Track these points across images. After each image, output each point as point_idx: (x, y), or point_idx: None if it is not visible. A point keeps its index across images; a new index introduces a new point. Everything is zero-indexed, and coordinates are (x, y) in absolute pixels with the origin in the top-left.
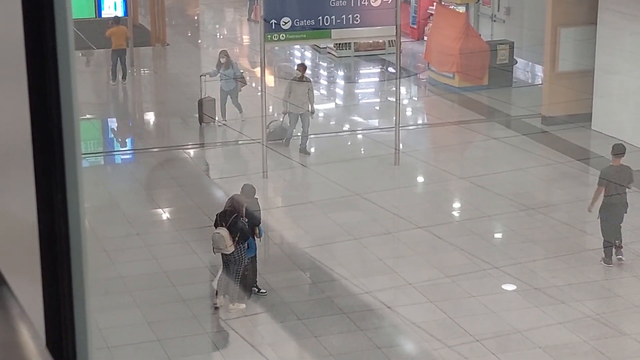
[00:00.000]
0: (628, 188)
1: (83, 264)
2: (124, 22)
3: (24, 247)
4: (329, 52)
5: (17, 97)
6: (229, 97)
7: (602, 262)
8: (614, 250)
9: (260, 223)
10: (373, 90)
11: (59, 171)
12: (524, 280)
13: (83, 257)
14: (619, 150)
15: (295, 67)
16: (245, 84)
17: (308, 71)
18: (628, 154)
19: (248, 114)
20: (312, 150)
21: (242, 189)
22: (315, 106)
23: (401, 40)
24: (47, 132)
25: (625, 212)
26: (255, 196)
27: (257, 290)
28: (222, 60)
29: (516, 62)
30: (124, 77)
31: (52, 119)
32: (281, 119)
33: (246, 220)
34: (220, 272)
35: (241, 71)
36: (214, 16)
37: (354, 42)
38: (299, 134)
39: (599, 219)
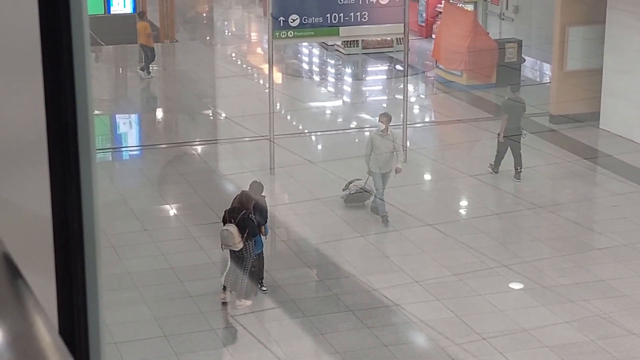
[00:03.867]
0: (522, 117)
1: (96, 256)
2: (134, 18)
3: (38, 240)
4: (337, 50)
5: (33, 92)
6: None
7: (491, 171)
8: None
9: (267, 221)
10: (381, 87)
11: (74, 165)
12: (532, 279)
13: (96, 250)
14: (515, 87)
15: (378, 119)
16: None
17: (315, 68)
18: (636, 153)
19: (257, 110)
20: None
21: (250, 186)
22: (324, 103)
23: (409, 38)
24: (62, 127)
25: (523, 137)
26: (263, 194)
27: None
28: None
29: (524, 61)
30: (147, 72)
31: (66, 113)
32: (364, 180)
33: (254, 217)
34: (227, 267)
35: None
36: (223, 13)
37: (362, 40)
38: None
39: (498, 142)
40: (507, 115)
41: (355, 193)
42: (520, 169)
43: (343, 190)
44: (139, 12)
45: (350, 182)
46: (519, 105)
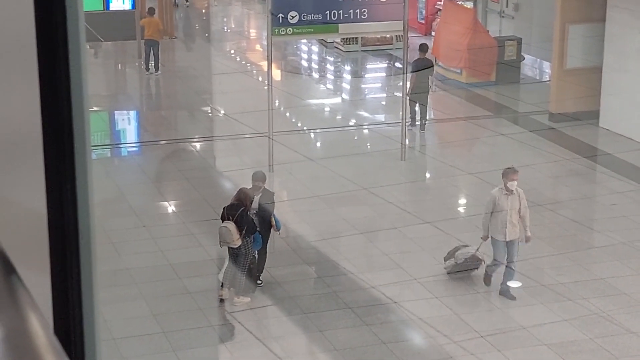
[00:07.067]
0: (430, 75)
1: (92, 253)
2: (133, 14)
3: (33, 237)
4: (336, 47)
5: (28, 88)
6: None
7: (409, 127)
8: (418, 123)
9: (272, 215)
10: (380, 85)
11: (69, 162)
12: (530, 277)
13: (92, 247)
14: (424, 47)
15: (502, 174)
16: None
17: (314, 65)
18: (636, 151)
19: (256, 107)
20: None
21: (252, 176)
22: (323, 101)
23: (409, 36)
24: (58, 123)
25: (432, 91)
26: (269, 188)
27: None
28: None
29: (524, 59)
30: (156, 68)
31: (62, 110)
32: (476, 247)
33: (254, 213)
34: (226, 264)
35: None
36: (222, 9)
37: (361, 37)
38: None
39: (408, 100)
40: (416, 74)
41: (463, 262)
42: (425, 121)
43: (446, 259)
44: (148, 8)
45: (455, 249)
46: (428, 64)
